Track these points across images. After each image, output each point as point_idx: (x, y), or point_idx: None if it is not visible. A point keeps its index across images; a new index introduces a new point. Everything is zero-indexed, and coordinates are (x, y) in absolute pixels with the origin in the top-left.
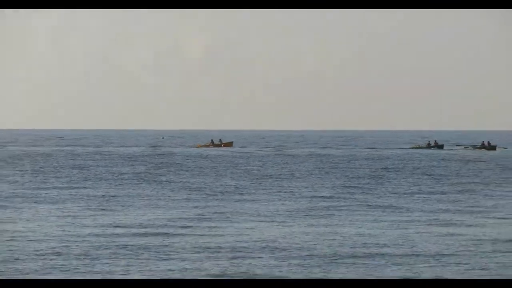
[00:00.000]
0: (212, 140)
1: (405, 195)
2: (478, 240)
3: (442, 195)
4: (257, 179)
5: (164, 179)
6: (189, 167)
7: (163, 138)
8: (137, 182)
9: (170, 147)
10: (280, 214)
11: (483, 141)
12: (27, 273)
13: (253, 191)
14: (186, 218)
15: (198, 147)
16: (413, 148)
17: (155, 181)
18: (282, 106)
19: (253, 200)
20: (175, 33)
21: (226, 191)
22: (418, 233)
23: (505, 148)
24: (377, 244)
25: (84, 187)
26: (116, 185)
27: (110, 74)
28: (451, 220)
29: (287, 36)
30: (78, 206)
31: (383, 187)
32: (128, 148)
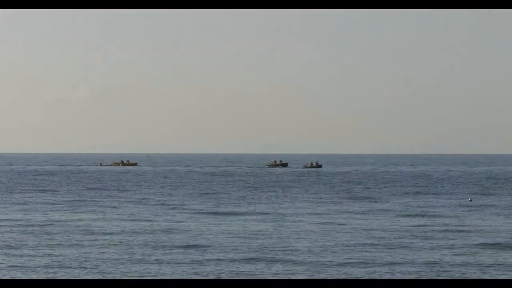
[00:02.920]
0: (122, 160)
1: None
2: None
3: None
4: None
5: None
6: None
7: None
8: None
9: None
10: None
11: (312, 162)
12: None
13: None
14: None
15: (113, 165)
16: (266, 165)
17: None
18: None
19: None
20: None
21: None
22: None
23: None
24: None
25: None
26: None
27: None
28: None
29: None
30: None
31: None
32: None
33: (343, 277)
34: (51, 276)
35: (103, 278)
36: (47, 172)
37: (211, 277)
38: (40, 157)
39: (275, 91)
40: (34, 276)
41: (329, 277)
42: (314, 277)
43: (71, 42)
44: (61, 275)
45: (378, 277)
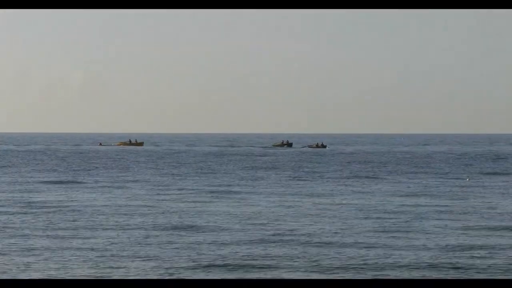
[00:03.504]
0: (130, 139)
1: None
2: None
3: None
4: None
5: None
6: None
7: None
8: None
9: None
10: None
11: (317, 142)
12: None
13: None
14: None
15: (120, 144)
16: (273, 145)
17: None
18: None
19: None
20: None
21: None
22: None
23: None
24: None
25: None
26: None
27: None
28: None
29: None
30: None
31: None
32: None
33: (342, 273)
34: (45, 262)
35: (103, 278)
36: (44, 151)
37: (209, 261)
38: (40, 136)
39: (274, 91)
40: (30, 259)
41: (329, 277)
42: (314, 277)
43: (71, 42)
44: (56, 261)
45: (378, 277)
